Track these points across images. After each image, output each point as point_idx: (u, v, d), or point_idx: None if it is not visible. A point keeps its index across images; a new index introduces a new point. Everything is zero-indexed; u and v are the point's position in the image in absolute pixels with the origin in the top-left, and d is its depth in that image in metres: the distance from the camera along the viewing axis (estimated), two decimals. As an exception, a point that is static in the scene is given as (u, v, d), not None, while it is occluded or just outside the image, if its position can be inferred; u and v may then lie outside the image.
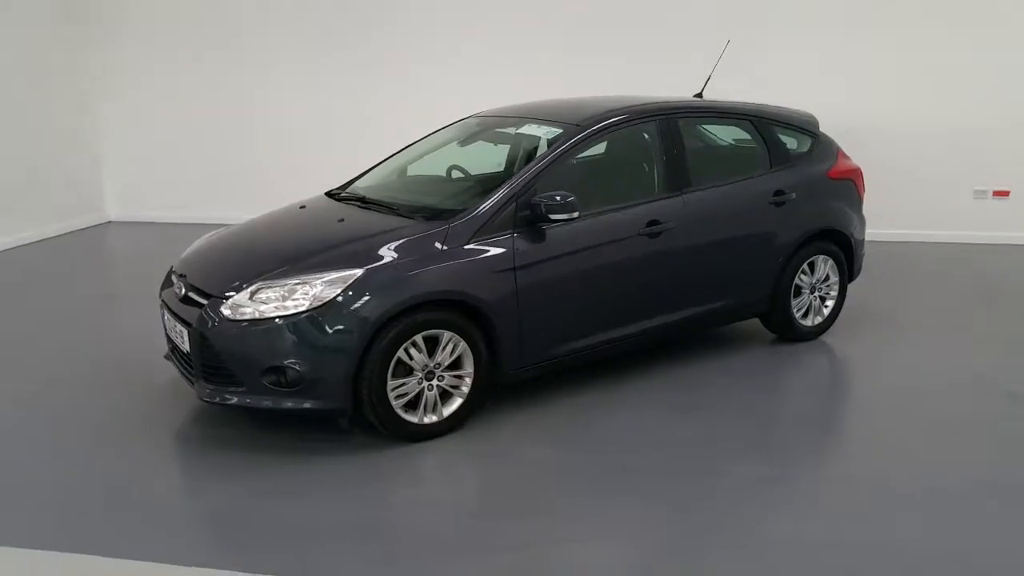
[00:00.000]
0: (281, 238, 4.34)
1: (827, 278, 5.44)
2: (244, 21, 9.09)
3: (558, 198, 4.16)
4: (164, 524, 3.41)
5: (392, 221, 4.25)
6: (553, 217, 4.16)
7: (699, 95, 5.74)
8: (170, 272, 4.48)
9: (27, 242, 8.53)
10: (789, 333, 5.38)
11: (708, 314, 5.01)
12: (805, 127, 5.45)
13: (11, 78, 8.38)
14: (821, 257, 5.35)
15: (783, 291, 5.22)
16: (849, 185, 5.51)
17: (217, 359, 3.88)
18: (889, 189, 8.22)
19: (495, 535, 3.32)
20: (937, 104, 8.06)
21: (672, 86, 5.98)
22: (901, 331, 5.69)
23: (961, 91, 7.96)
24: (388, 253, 3.95)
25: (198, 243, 4.65)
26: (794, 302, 5.31)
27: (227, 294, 3.89)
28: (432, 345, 3.97)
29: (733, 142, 5.37)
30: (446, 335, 3.98)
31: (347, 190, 4.99)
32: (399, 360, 3.88)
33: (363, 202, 4.64)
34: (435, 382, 4.02)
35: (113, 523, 3.41)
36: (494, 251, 4.11)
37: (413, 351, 3.91)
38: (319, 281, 3.81)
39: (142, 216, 9.83)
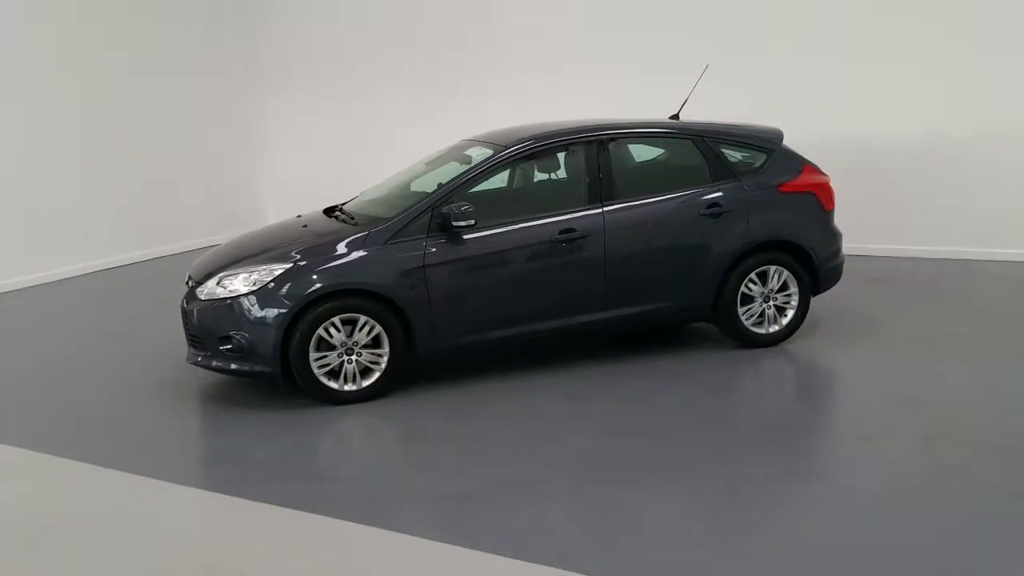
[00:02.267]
0: (261, 240, 5.45)
1: (786, 288, 5.69)
2: (384, 69, 10.54)
3: (464, 207, 4.96)
4: (139, 446, 4.62)
5: (336, 227, 5.24)
6: (455, 224, 4.97)
7: (675, 116, 6.19)
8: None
9: (200, 246, 10.45)
10: (741, 339, 5.69)
11: (642, 314, 5.49)
12: (759, 144, 5.74)
13: (193, 116, 10.47)
14: (773, 268, 5.62)
15: (727, 298, 5.56)
16: (808, 199, 5.72)
17: (195, 330, 5.08)
18: (964, 204, 8.03)
19: (380, 480, 4.21)
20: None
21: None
22: (882, 346, 5.76)
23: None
24: (316, 252, 4.98)
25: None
26: (743, 309, 5.62)
27: (205, 281, 5.09)
28: (353, 327, 4.91)
29: (674, 159, 5.81)
30: (362, 319, 4.91)
31: (345, 203, 6.02)
32: (321, 337, 4.86)
33: (341, 212, 5.66)
34: (354, 357, 4.96)
35: (103, 440, 4.69)
36: (407, 252, 4.98)
37: (333, 330, 4.87)
38: (261, 271, 4.90)
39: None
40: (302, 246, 5.06)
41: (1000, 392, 4.89)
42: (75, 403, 5.28)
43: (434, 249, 5.01)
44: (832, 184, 5.89)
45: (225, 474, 4.29)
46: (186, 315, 5.12)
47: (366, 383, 5.01)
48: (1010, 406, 4.66)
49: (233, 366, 4.96)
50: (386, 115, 10.52)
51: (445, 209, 5.01)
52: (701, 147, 5.62)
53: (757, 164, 5.72)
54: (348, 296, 4.90)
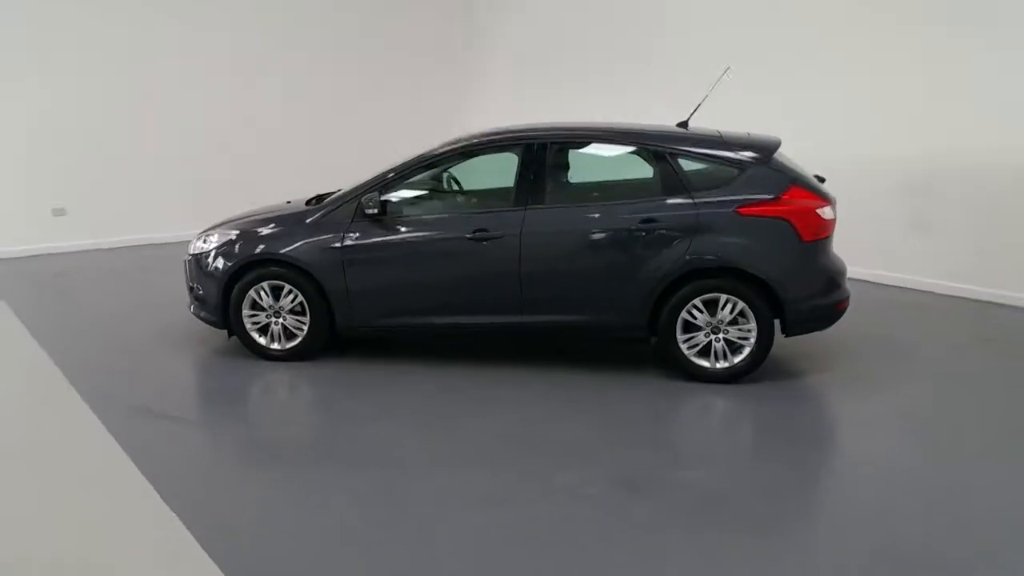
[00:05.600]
0: (255, 211, 6.17)
1: (745, 321, 5.08)
2: (571, 63, 10.85)
3: (374, 197, 5.28)
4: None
5: (295, 208, 5.78)
6: (366, 212, 5.29)
7: (684, 124, 5.71)
8: None
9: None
10: (683, 370, 5.21)
11: (561, 324, 5.29)
12: (728, 159, 5.11)
13: (410, 101, 11.92)
14: (724, 296, 5.05)
15: (665, 323, 5.13)
16: (778, 225, 4.99)
17: (187, 280, 6.05)
18: None
19: (197, 421, 4.93)
20: None
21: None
22: (863, 409, 4.93)
23: None
24: (262, 226, 5.61)
25: None
26: (683, 338, 5.15)
27: (199, 237, 6.02)
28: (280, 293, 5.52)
29: (622, 168, 5.41)
30: (287, 287, 5.48)
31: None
32: (254, 298, 5.53)
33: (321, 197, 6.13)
34: (281, 320, 5.55)
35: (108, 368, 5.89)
36: (330, 233, 5.41)
37: (263, 294, 5.52)
38: (221, 235, 5.70)
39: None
40: (256, 219, 5.75)
41: (904, 489, 3.90)
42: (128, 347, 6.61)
43: (354, 234, 5.37)
44: (825, 212, 5.05)
45: (100, 390, 5.14)
46: (184, 267, 6.09)
47: (290, 345, 5.59)
48: (878, 502, 3.75)
49: (199, 314, 5.83)
50: (573, 103, 10.71)
51: (364, 198, 5.34)
52: (655, 157, 5.20)
53: (723, 180, 5.12)
54: (276, 265, 5.48)
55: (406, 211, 5.48)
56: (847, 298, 5.25)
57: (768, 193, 5.03)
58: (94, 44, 9.56)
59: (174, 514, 3.56)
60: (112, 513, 3.68)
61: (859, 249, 7.80)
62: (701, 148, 5.18)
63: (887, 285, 7.77)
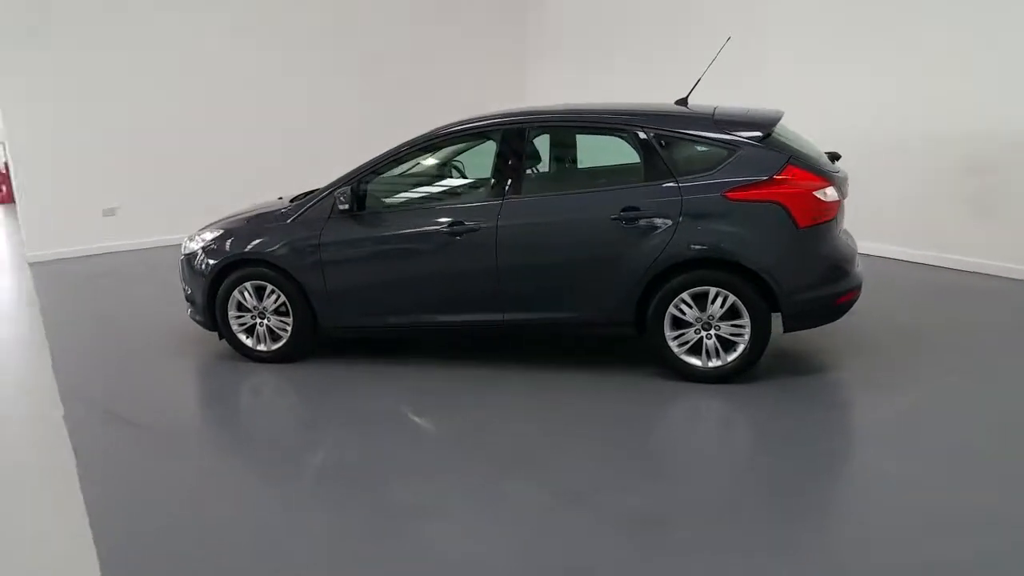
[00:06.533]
0: (244, 209, 6.06)
1: (739, 316, 4.67)
2: (625, 42, 10.50)
3: (346, 192, 5.09)
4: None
5: (281, 206, 5.64)
6: (340, 208, 5.10)
7: (683, 101, 5.31)
8: None
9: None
10: (674, 369, 4.84)
11: (544, 321, 4.99)
12: (718, 139, 4.67)
13: (473, 80, 11.83)
14: (714, 289, 4.65)
15: (653, 318, 4.77)
16: (770, 210, 4.54)
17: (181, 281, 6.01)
18: None
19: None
20: None
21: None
22: (849, 417, 4.56)
23: None
24: (246, 225, 5.51)
25: None
26: (672, 334, 4.77)
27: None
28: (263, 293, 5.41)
29: (606, 153, 5.03)
30: (269, 287, 5.37)
31: None
32: (239, 299, 5.45)
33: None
34: (265, 321, 5.45)
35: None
36: (307, 231, 5.25)
37: (247, 294, 5.42)
38: (209, 235, 5.63)
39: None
40: (240, 217, 5.66)
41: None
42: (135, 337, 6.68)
43: (329, 230, 5.20)
44: (826, 193, 4.57)
45: (77, 387, 5.23)
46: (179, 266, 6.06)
47: (275, 346, 5.48)
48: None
49: (194, 317, 5.76)
50: (624, 86, 10.35)
51: (336, 193, 5.16)
52: (638, 140, 4.81)
53: (713, 162, 4.69)
54: (257, 265, 5.37)
55: (381, 206, 5.27)
56: (856, 288, 4.76)
57: (761, 174, 4.58)
58: (145, 48, 9.73)
59: (87, 521, 3.47)
60: (23, 510, 3.65)
61: (913, 230, 7.18)
62: (687, 128, 4.76)
63: (941, 267, 7.09)
